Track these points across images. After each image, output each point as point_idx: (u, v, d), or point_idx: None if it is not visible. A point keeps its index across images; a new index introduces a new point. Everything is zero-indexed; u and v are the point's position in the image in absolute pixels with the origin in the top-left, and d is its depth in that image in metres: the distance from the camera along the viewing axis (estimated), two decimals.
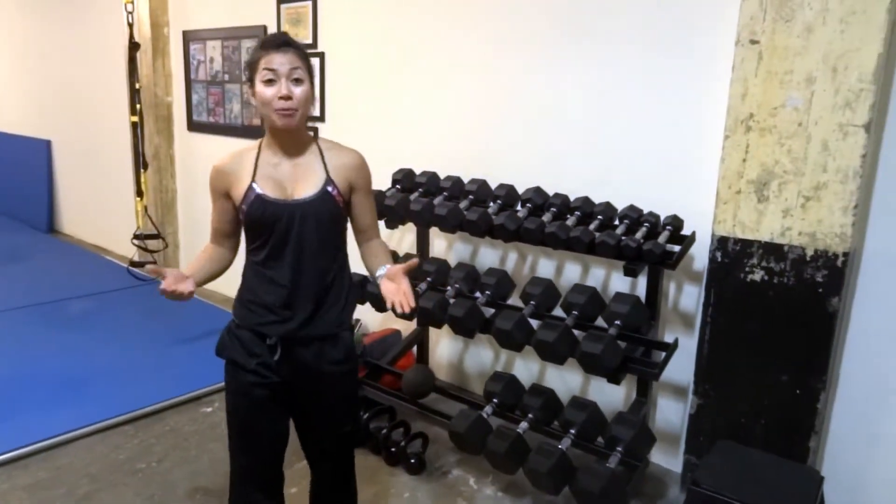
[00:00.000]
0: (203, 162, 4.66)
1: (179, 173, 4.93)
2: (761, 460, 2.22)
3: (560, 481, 2.26)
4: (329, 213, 1.68)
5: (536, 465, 2.26)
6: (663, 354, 2.34)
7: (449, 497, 2.52)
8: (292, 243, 1.65)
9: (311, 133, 1.74)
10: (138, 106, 4.31)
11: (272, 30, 3.97)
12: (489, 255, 3.14)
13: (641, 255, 2.30)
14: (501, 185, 2.79)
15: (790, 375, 2.25)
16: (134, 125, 4.34)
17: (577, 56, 2.72)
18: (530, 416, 2.49)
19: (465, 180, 2.96)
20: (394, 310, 1.61)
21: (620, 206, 2.55)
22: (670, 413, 2.71)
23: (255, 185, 1.64)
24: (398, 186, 3.06)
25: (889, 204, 2.16)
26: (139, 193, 4.45)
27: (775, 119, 2.16)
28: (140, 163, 4.39)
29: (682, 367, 2.55)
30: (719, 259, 2.33)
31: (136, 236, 4.49)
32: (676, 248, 2.32)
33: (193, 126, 4.69)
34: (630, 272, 2.33)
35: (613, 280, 2.76)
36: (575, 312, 2.45)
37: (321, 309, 1.71)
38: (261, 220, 1.64)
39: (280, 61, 1.56)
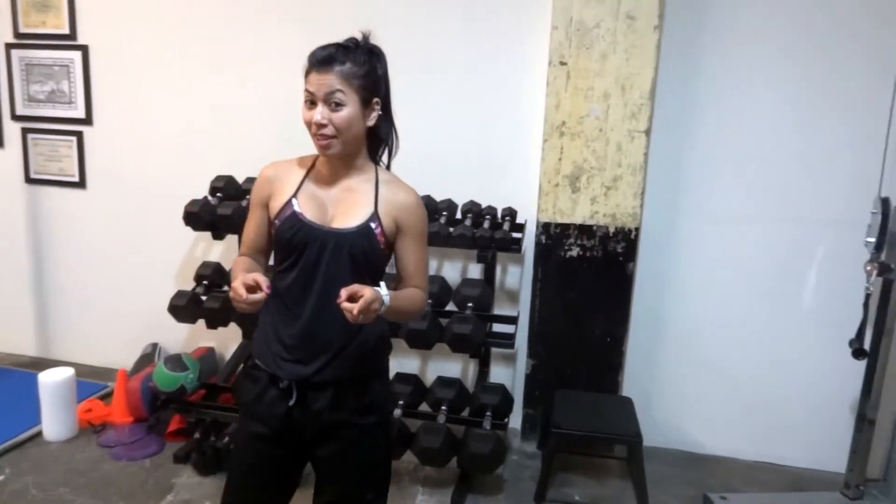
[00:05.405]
0: None
1: None
2: (591, 398, 2.78)
3: (450, 453, 2.51)
4: (364, 251, 1.48)
5: (429, 444, 2.47)
6: (514, 327, 2.74)
7: None
8: (321, 276, 1.48)
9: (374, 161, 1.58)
10: None
11: (2, 14, 3.30)
12: None
13: (493, 244, 2.65)
14: None
15: (601, 329, 2.84)
16: None
17: (413, 65, 2.92)
18: (401, 402, 2.67)
19: None
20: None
21: (461, 202, 2.86)
22: (501, 378, 3.14)
23: (294, 201, 1.49)
24: (219, 195, 2.90)
25: (655, 190, 2.86)
26: None
27: (582, 126, 2.69)
28: None
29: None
30: (544, 241, 2.81)
31: None
32: (519, 235, 2.73)
33: None
34: (483, 259, 2.67)
35: (445, 268, 3.07)
36: (430, 301, 2.70)
37: (343, 352, 1.51)
38: (290, 241, 1.48)
39: (318, 83, 1.41)
